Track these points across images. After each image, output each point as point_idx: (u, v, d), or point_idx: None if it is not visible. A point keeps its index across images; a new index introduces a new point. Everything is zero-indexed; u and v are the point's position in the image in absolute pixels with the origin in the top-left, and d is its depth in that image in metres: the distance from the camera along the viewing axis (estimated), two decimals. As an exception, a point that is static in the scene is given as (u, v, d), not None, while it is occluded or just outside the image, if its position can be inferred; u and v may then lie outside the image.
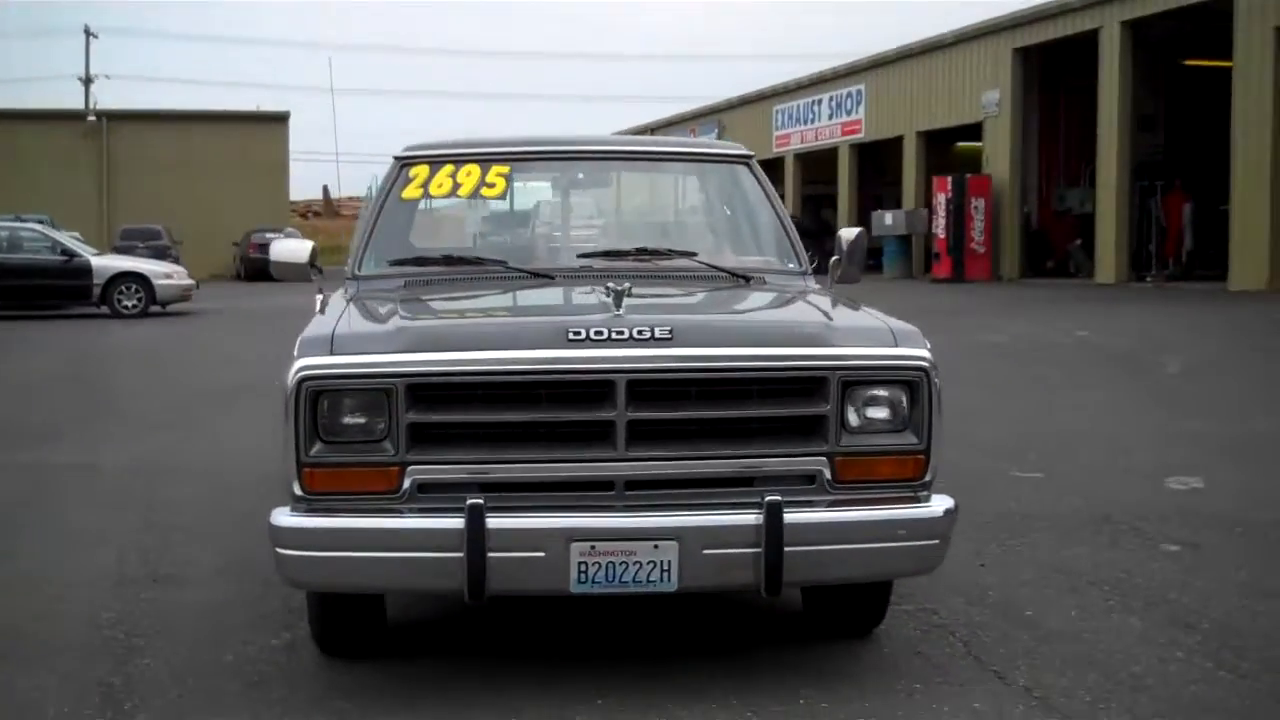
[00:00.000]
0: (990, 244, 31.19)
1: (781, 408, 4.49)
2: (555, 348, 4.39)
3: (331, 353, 4.39)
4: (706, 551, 4.36)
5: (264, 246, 44.05)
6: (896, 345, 4.57)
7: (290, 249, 6.09)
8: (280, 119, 52.62)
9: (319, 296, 5.88)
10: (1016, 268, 31.67)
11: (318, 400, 4.35)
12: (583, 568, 4.33)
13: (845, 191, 39.89)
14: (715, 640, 5.22)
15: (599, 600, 4.71)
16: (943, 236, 31.40)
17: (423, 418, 4.35)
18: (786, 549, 4.34)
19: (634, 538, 4.34)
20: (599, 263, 5.61)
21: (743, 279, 5.59)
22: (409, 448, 4.35)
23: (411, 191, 5.92)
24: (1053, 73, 31.82)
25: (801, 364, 4.47)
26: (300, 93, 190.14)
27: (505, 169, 5.92)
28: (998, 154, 31.72)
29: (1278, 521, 7.00)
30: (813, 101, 41.98)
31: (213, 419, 11.27)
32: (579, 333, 4.39)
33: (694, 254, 5.78)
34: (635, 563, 4.35)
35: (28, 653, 5.09)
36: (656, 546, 4.34)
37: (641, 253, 5.73)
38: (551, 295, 5.30)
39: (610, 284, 4.56)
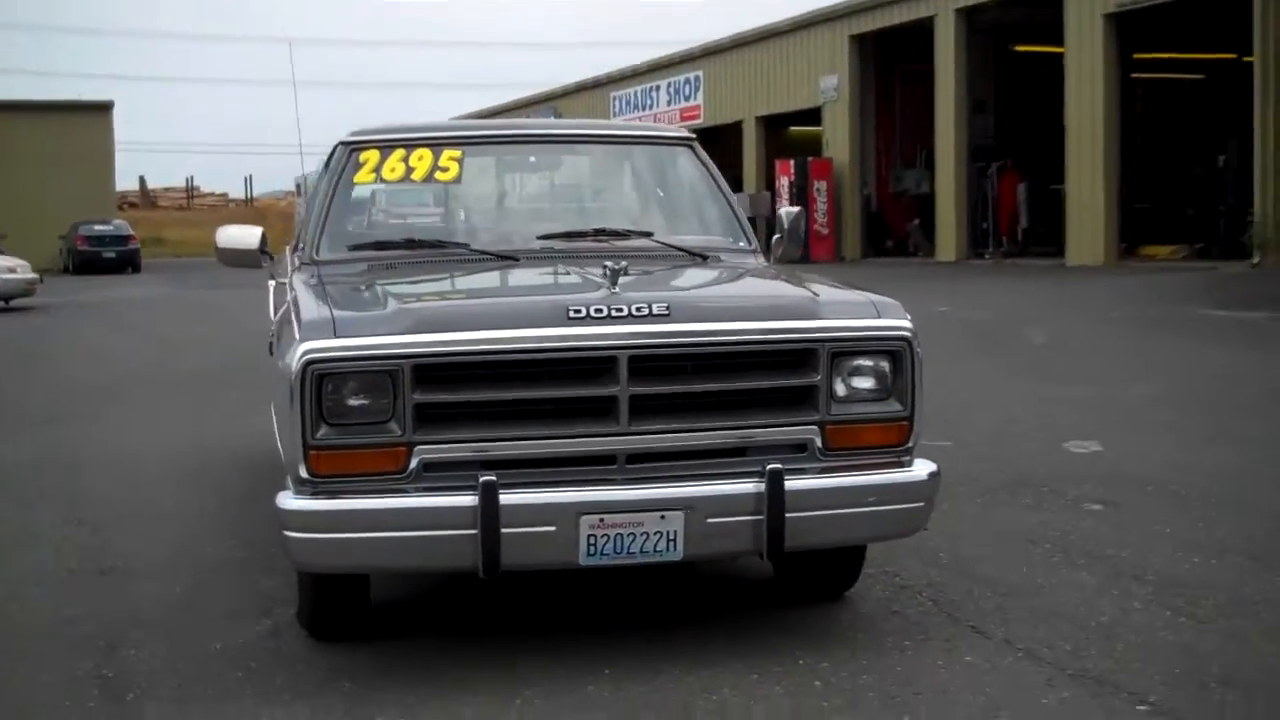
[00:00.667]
0: (833, 225, 31.87)
1: (774, 379, 4.63)
2: (556, 325, 4.47)
3: (335, 335, 4.39)
4: (711, 520, 4.48)
5: (93, 239, 43.19)
6: (880, 316, 4.75)
7: (238, 235, 6.04)
8: (103, 108, 51.09)
9: (271, 282, 5.84)
10: (858, 248, 32.44)
11: (323, 383, 4.35)
12: (592, 540, 4.43)
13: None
14: (700, 608, 5.36)
15: (590, 574, 4.80)
16: (786, 219, 31.94)
17: (429, 398, 4.39)
18: (788, 515, 4.49)
19: (641, 509, 4.44)
20: (559, 244, 5.71)
21: (700, 257, 5.73)
22: (415, 428, 4.38)
23: (364, 176, 5.92)
24: (887, 57, 32.60)
25: (793, 336, 4.62)
26: (114, 82, 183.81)
27: (457, 153, 5.95)
28: (837, 138, 32.42)
29: (1180, 479, 7.38)
30: (651, 88, 42.31)
31: (101, 412, 11.01)
32: (579, 310, 4.47)
33: (650, 234, 5.91)
34: (643, 534, 4.45)
35: (7, 648, 4.98)
36: (663, 517, 4.45)
37: (600, 233, 5.85)
38: (533, 275, 5.37)
39: (607, 263, 4.65)
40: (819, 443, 4.65)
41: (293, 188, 47.37)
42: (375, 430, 4.41)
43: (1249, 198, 21.89)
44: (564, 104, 48.60)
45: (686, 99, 39.93)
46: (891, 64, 32.77)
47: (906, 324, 4.75)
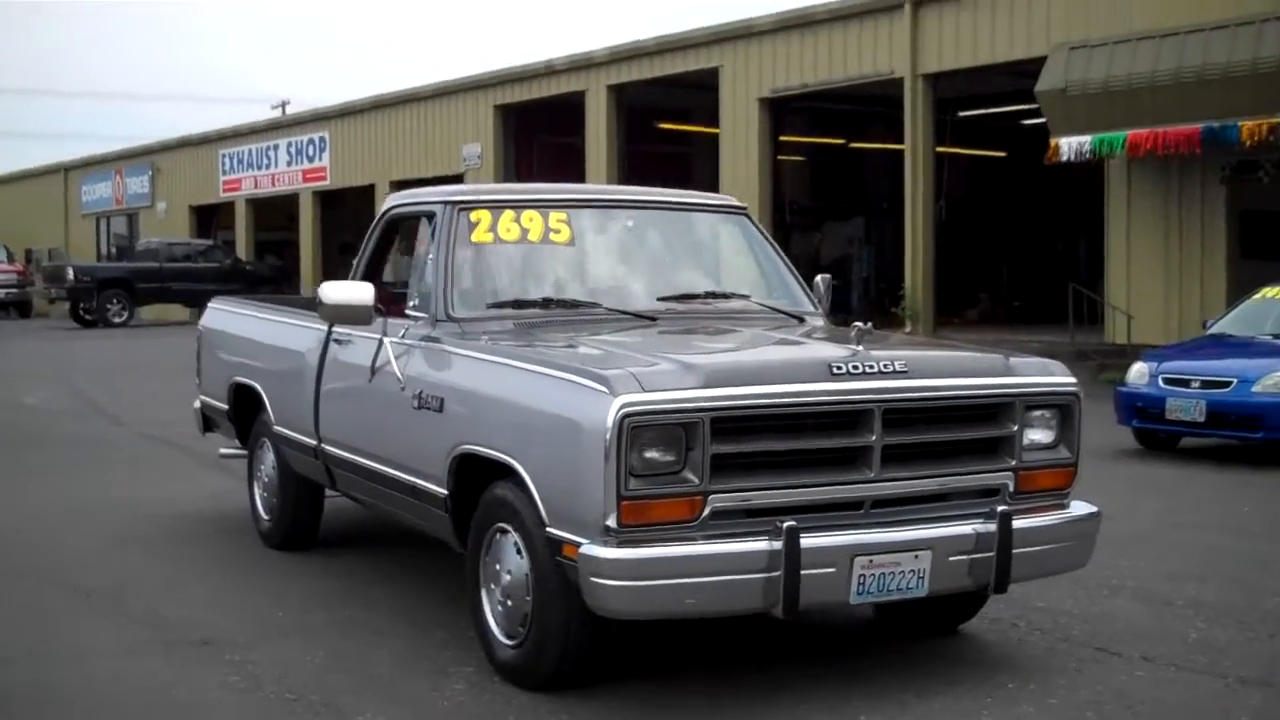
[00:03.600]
0: (478, 291, 32.27)
1: (985, 430, 5.21)
2: (821, 381, 4.86)
3: (643, 390, 4.59)
4: (951, 558, 4.98)
5: None
6: (1053, 374, 5.39)
7: (349, 292, 6.02)
8: None
9: (386, 341, 5.88)
10: (501, 314, 32.94)
11: (636, 435, 4.54)
12: (861, 580, 4.84)
13: (308, 237, 39.71)
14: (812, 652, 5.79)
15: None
16: (432, 284, 32.17)
17: (724, 448, 4.69)
18: (1014, 551, 5.04)
19: (900, 550, 4.90)
20: (679, 304, 6.09)
21: (797, 319, 6.25)
22: (711, 477, 4.65)
23: (481, 236, 6.05)
24: (529, 128, 33.46)
25: (1002, 391, 5.22)
26: None
27: (563, 215, 6.21)
28: (481, 205, 32.91)
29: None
30: (269, 147, 41.41)
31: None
32: (840, 367, 4.89)
33: (748, 296, 6.35)
34: (900, 572, 4.91)
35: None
36: (916, 557, 4.93)
37: (709, 295, 6.26)
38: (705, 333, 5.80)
39: (857, 324, 5.09)
40: (1011, 487, 5.22)
41: None
42: (675, 480, 4.64)
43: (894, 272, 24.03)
44: (164, 159, 46.79)
45: (310, 160, 39.35)
46: (533, 135, 33.64)
47: (1073, 380, 5.41)
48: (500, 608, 5.25)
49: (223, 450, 8.59)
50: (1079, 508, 5.45)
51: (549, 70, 30.65)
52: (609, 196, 6.65)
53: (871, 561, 4.85)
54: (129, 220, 47.76)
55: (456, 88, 33.62)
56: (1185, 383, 11.68)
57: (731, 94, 26.55)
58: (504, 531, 5.21)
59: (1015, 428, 5.23)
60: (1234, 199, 19.55)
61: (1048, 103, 19.72)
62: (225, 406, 8.11)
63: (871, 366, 4.96)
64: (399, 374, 5.86)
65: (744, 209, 6.85)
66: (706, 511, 4.69)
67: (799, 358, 5.14)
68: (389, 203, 6.83)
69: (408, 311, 6.09)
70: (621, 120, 29.73)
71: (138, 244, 37.49)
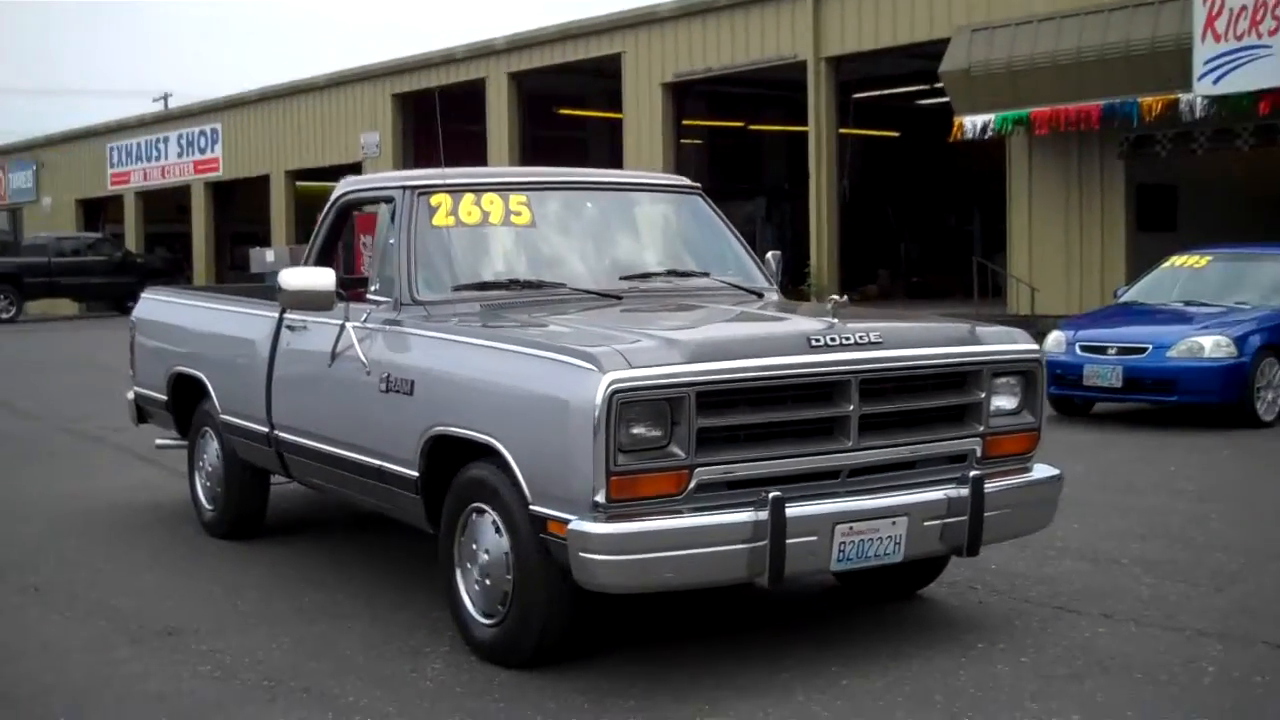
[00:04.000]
0: (380, 281, 32.02)
1: (955, 397, 5.31)
2: (800, 353, 4.92)
3: (630, 365, 4.61)
4: (926, 523, 5.07)
5: None
6: (1016, 342, 5.50)
7: (309, 277, 5.95)
8: None
9: (349, 325, 5.83)
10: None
11: (624, 411, 4.56)
12: (842, 547, 4.91)
13: (201, 229, 39.11)
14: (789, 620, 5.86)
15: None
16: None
17: (709, 422, 4.73)
18: (985, 514, 5.14)
19: (878, 517, 4.98)
20: (641, 283, 6.12)
21: (755, 294, 6.30)
22: (696, 451, 4.68)
23: (442, 219, 6.01)
24: (429, 116, 33.23)
25: (971, 359, 5.32)
26: None
27: (523, 197, 6.19)
28: (380, 194, 32.65)
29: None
30: (158, 139, 40.69)
31: None
32: (818, 340, 4.95)
33: (707, 274, 6.39)
34: (877, 539, 4.99)
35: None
36: (894, 523, 5.00)
37: (670, 274, 6.30)
38: (675, 308, 5.82)
39: (834, 297, 5.16)
40: (978, 452, 5.32)
41: None
42: (662, 455, 4.67)
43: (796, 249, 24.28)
44: (48, 154, 45.78)
45: (203, 151, 38.76)
46: (429, 123, 33.40)
47: (1035, 347, 5.52)
48: (477, 587, 5.24)
49: (159, 441, 8.45)
50: (1041, 470, 5.56)
51: (448, 59, 30.51)
52: (567, 179, 6.63)
53: (851, 529, 4.92)
54: (11, 216, 46.64)
55: (353, 77, 33.36)
56: (1102, 349, 11.97)
57: (634, 79, 26.63)
58: (480, 511, 5.19)
59: (983, 395, 5.33)
60: (1132, 173, 20.03)
61: (952, 83, 20.02)
62: (164, 397, 7.97)
63: (848, 338, 5.02)
64: (363, 358, 5.80)
65: (698, 188, 6.88)
66: (692, 484, 4.72)
67: (777, 331, 5.18)
68: (341, 189, 6.75)
69: (369, 296, 6.04)
70: (523, 107, 29.69)
71: (24, 239, 36.60)
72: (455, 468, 5.37)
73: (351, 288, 6.25)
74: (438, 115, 26.26)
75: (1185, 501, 8.21)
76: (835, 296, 5.27)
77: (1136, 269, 19.49)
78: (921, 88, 28.21)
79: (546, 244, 6.27)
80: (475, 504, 5.22)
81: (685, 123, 27.87)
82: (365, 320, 5.94)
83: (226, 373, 7.22)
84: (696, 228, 6.74)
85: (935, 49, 21.97)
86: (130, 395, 8.58)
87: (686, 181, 6.92)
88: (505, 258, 6.14)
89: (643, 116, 26.49)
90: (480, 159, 34.08)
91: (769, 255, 6.88)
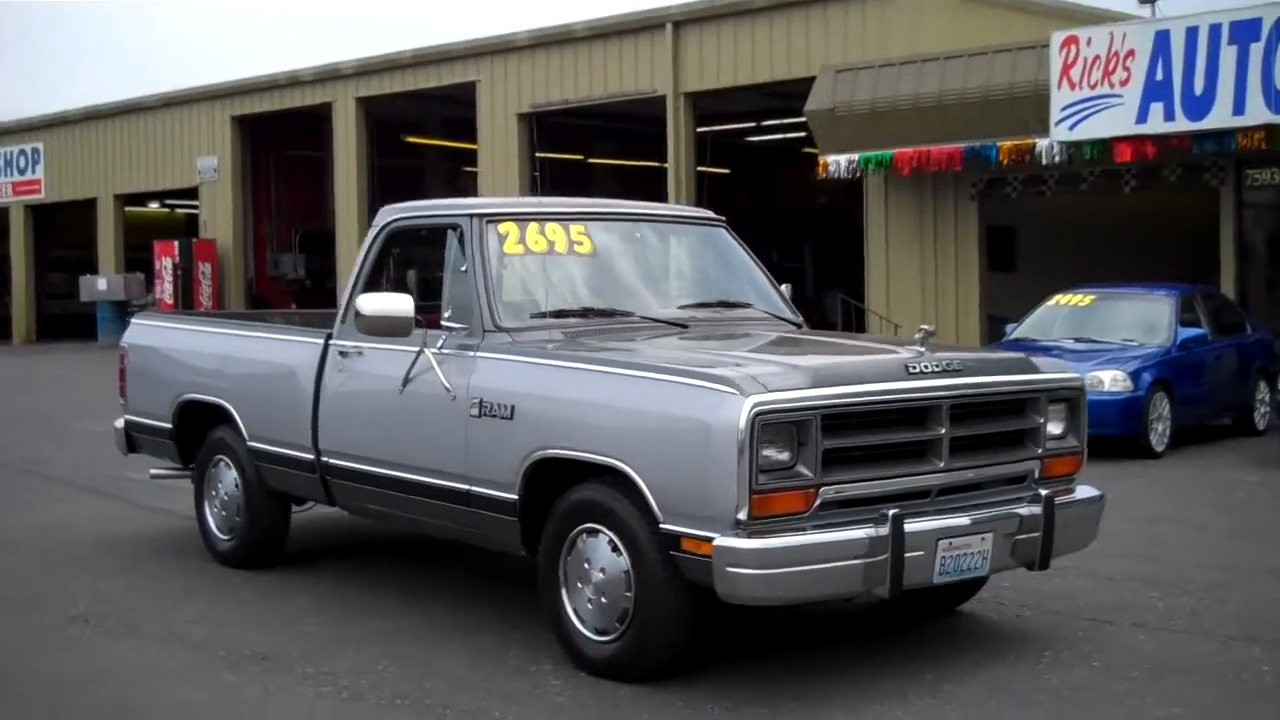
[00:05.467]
0: (218, 307, 31.42)
1: (1018, 422, 5.77)
2: (899, 380, 5.35)
3: (767, 390, 4.96)
4: (1007, 538, 5.53)
5: None
6: (1064, 372, 6.03)
7: (388, 303, 6.13)
8: None
9: (428, 351, 6.04)
10: (242, 330, 32.20)
11: (762, 433, 4.91)
12: (943, 561, 5.35)
13: (20, 252, 37.77)
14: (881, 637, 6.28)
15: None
16: (169, 301, 31.15)
17: (833, 443, 5.11)
18: (1056, 531, 5.64)
19: (972, 533, 5.42)
20: (698, 312, 6.51)
21: (794, 324, 6.74)
22: (822, 470, 5.06)
23: (512, 248, 6.28)
24: (264, 141, 32.88)
25: (1034, 386, 5.81)
26: None
27: (582, 227, 6.49)
28: (217, 219, 32.11)
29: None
30: (-28, 158, 39.15)
31: None
32: (914, 367, 5.38)
33: (750, 304, 6.79)
34: (970, 553, 5.44)
35: None
36: (983, 539, 5.45)
37: (720, 304, 6.68)
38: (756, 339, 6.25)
39: (924, 327, 5.59)
40: (1036, 473, 5.82)
41: None
42: (790, 475, 5.02)
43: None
44: None
45: (22, 171, 37.43)
46: (269, 148, 33.06)
47: (1078, 376, 6.06)
48: (590, 605, 5.49)
49: (154, 471, 8.42)
50: (1086, 491, 6.08)
51: (294, 81, 30.19)
52: (614, 210, 6.95)
53: (951, 544, 5.35)
54: None
55: (188, 98, 32.71)
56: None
57: (490, 108, 26.79)
58: (593, 532, 5.45)
59: (1041, 420, 5.83)
60: (983, 214, 21.07)
61: (817, 122, 20.76)
62: (167, 425, 7.96)
63: (937, 366, 5.47)
64: (446, 383, 6.00)
65: (723, 221, 7.25)
66: (817, 503, 5.09)
67: (880, 359, 5.59)
68: (388, 216, 6.90)
69: (443, 323, 6.23)
70: (370, 133, 29.56)
71: None
72: (556, 491, 5.63)
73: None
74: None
75: (1134, 524, 8.86)
76: (925, 326, 5.71)
77: (989, 308, 20.70)
78: (749, 125, 29.11)
79: (609, 273, 6.58)
80: (586, 525, 5.48)
81: (543, 155, 28.12)
82: (441, 346, 6.13)
83: (258, 399, 7.29)
84: (727, 258, 7.11)
85: (790, 88, 22.80)
86: (119, 424, 8.51)
87: (712, 214, 7.31)
88: (574, 286, 6.42)
89: (497, 146, 26.66)
90: (321, 186, 33.94)
91: (781, 288, 7.28)
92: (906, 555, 5.17)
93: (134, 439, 8.44)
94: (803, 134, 29.43)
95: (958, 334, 19.96)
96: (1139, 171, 19.09)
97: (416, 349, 6.18)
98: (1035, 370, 5.92)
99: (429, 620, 6.40)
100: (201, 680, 5.54)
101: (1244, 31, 16.59)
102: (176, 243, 31.61)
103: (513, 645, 5.94)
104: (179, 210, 38.51)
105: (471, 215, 6.36)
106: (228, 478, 7.59)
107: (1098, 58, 17.82)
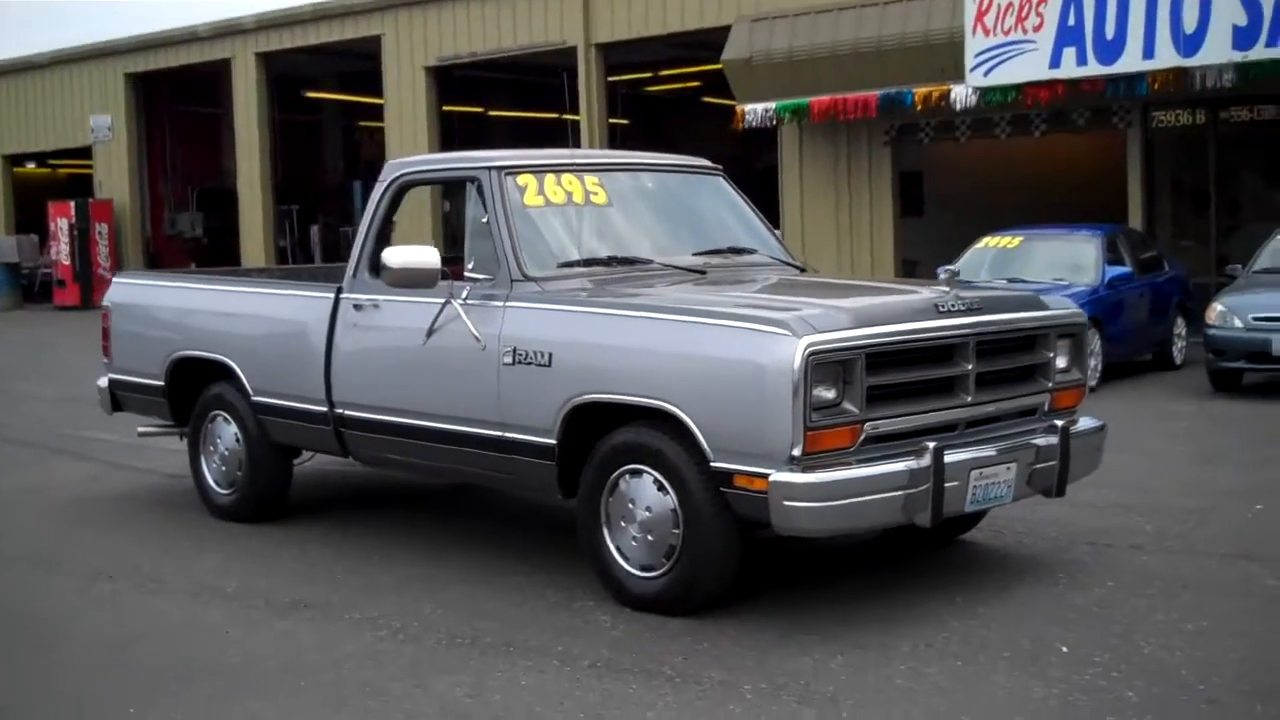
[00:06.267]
0: (116, 268, 30.85)
1: (1032, 356, 6.03)
2: (933, 318, 5.57)
3: (817, 331, 5.16)
4: (1028, 468, 5.80)
5: None
6: (1069, 308, 6.31)
7: (415, 255, 6.21)
8: None
9: (455, 302, 6.15)
10: (142, 291, 31.66)
11: (814, 372, 5.11)
12: (974, 490, 5.60)
13: (-100, 217, 36.66)
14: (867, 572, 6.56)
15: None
16: (67, 263, 30.52)
17: (875, 381, 5.33)
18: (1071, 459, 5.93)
19: (999, 463, 5.68)
20: (712, 259, 6.67)
21: (798, 268, 6.95)
22: (866, 407, 5.28)
23: (532, 199, 6.39)
24: (159, 99, 32.27)
25: (1046, 322, 6.08)
26: None
27: (596, 178, 6.61)
28: (113, 179, 31.48)
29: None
30: None
31: None
32: (943, 306, 5.62)
33: (755, 250, 6.97)
34: (997, 483, 5.71)
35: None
36: (1008, 468, 5.71)
37: (730, 250, 6.85)
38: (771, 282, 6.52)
39: (945, 267, 5.81)
40: (1046, 406, 6.10)
41: None
42: (838, 412, 5.23)
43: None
44: None
45: (-101, 133, 36.27)
46: (163, 105, 32.45)
47: (1082, 312, 6.35)
48: (634, 543, 5.66)
49: (141, 429, 8.40)
50: (1090, 422, 6.38)
51: (191, 37, 29.61)
52: (623, 161, 7.09)
53: (982, 474, 5.61)
54: None
55: (81, 55, 31.92)
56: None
57: (395, 62, 26.55)
58: (636, 473, 5.61)
59: (1051, 354, 6.10)
60: (896, 160, 21.46)
61: (734, 72, 20.92)
62: (158, 383, 7.93)
63: (962, 304, 5.71)
64: (475, 332, 6.09)
65: (720, 169, 7.41)
66: (862, 438, 5.30)
67: (912, 299, 5.81)
68: (396, 170, 6.95)
69: (467, 274, 6.31)
70: (271, 89, 29.15)
71: None
72: (593, 434, 5.78)
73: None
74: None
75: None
76: (949, 267, 5.92)
77: (905, 251, 21.15)
78: (648, 75, 29.22)
79: (624, 222, 6.72)
80: (628, 466, 5.64)
81: (449, 108, 27.95)
82: (466, 297, 6.22)
83: (263, 354, 7.31)
84: (729, 205, 7.27)
85: (700, 38, 22.97)
86: (103, 383, 8.46)
87: (710, 163, 7.46)
88: (594, 235, 6.53)
89: (404, 100, 26.45)
90: (218, 143, 33.40)
91: (776, 232, 7.47)
92: (950, 485, 5.41)
93: (119, 398, 8.40)
94: (697, 84, 29.86)
95: (874, 277, 20.33)
96: (1049, 115, 19.60)
97: (441, 300, 6.26)
98: (1045, 307, 6.18)
99: (452, 565, 6.52)
100: (254, 629, 5.62)
101: (1153, -23, 17.08)
102: (73, 203, 30.91)
103: (545, 585, 6.10)
104: (61, 170, 37.63)
105: (490, 168, 6.44)
106: (227, 433, 7.61)
107: (1011, 5, 18.20)
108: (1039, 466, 5.88)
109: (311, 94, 32.00)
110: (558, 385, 5.84)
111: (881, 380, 5.38)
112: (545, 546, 6.85)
